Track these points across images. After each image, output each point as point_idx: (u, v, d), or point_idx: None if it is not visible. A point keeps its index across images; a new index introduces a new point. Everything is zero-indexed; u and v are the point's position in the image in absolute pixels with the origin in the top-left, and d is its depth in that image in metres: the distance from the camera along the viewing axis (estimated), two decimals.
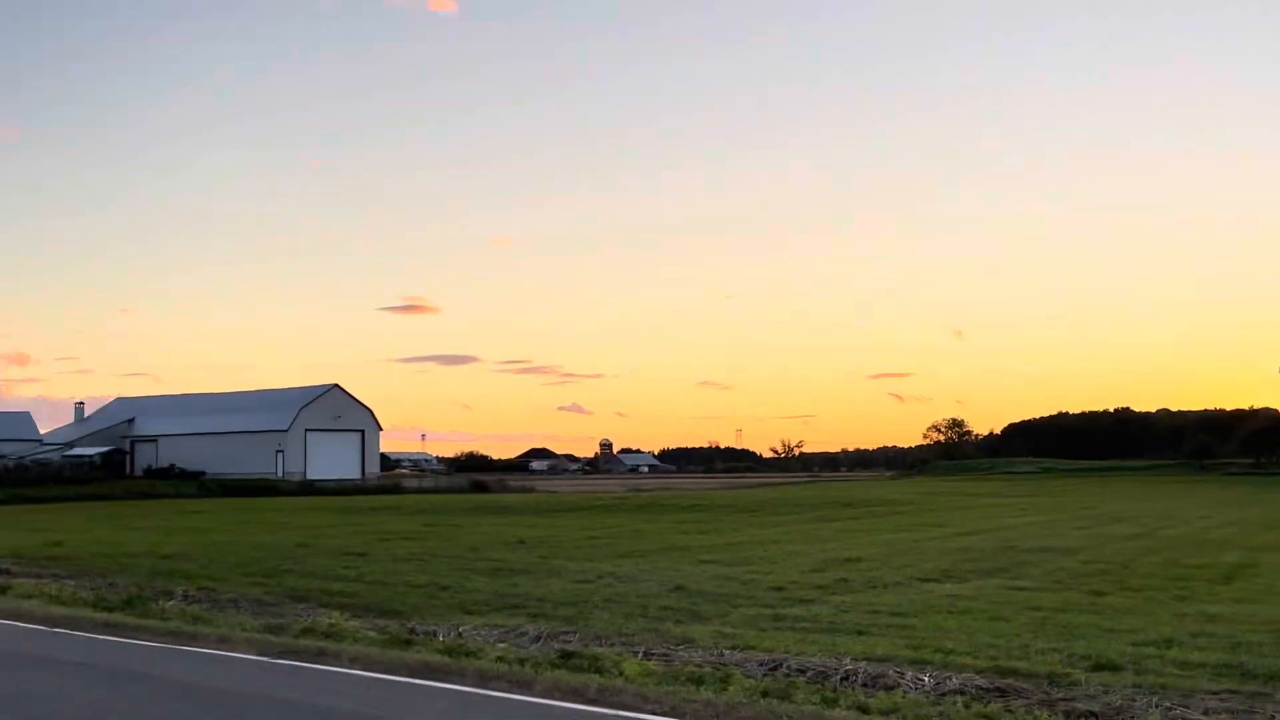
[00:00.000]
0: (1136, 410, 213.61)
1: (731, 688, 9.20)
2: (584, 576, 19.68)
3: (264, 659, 11.66)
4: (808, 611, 15.47)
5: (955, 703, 9.30)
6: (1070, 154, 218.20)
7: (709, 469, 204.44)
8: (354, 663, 11.08)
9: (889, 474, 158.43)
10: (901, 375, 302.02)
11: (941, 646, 12.12)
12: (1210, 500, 56.57)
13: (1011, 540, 27.72)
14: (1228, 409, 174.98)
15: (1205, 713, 8.86)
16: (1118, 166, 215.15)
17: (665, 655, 11.69)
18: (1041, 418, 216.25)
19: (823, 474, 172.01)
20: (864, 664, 10.94)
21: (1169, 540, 28.08)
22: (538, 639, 13.36)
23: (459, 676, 9.97)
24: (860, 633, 13.55)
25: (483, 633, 13.64)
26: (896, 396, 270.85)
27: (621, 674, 9.74)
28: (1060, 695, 9.59)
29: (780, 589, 17.95)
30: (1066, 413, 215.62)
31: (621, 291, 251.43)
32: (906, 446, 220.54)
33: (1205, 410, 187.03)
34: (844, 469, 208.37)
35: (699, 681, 9.54)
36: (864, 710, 8.98)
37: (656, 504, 50.06)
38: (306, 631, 13.49)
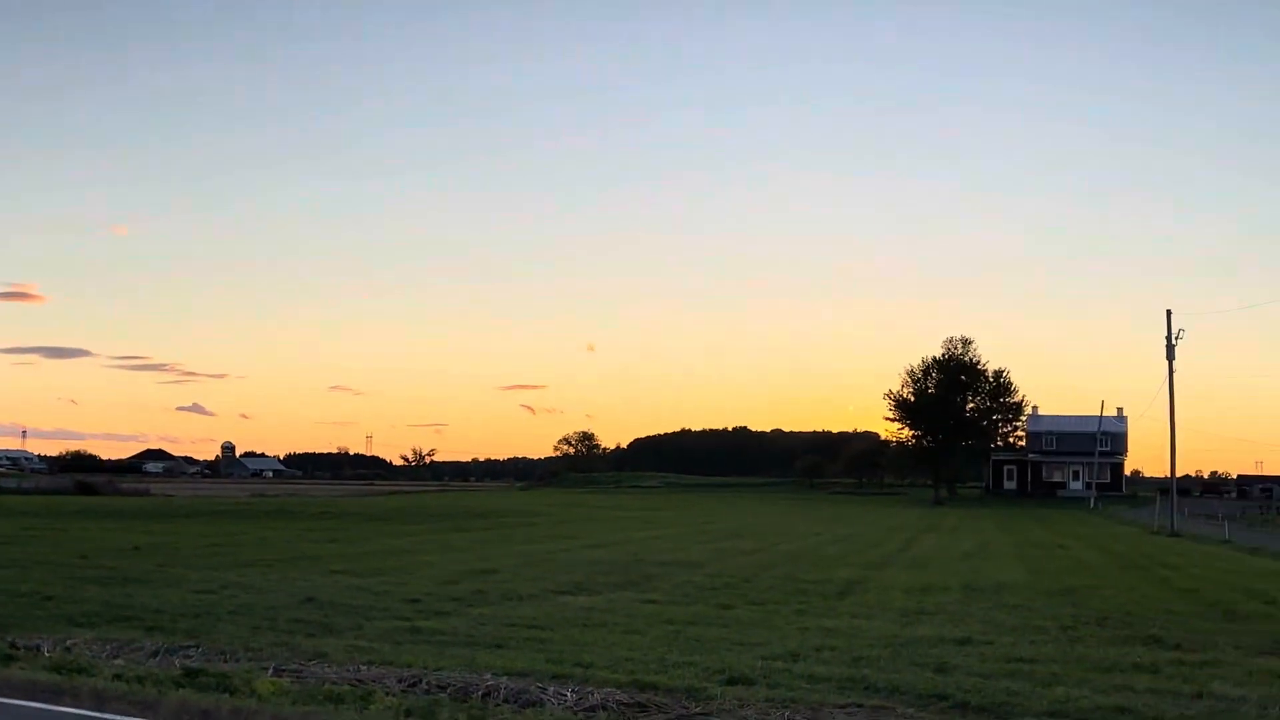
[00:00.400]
0: (753, 430, 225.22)
1: (373, 706, 8.84)
2: (206, 586, 18.60)
3: None
4: (445, 624, 15.22)
5: (599, 718, 9.36)
6: (689, 179, 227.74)
7: (337, 475, 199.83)
8: None
9: (519, 485, 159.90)
10: (535, 387, 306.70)
11: (580, 660, 12.17)
12: (819, 517, 60.33)
13: (640, 554, 28.44)
14: (834, 431, 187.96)
15: None
16: (721, 192, 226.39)
17: (298, 672, 11.14)
18: (666, 434, 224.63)
19: (454, 483, 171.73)
20: (505, 680, 10.79)
21: (785, 555, 29.59)
22: (155, 654, 12.45)
23: (72, 698, 9.06)
24: (498, 646, 13.42)
25: (94, 647, 12.58)
26: (528, 408, 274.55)
27: (254, 693, 9.13)
28: (698, 710, 9.81)
29: (416, 601, 17.59)
30: (689, 430, 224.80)
31: (248, 288, 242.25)
32: (537, 458, 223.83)
33: (814, 431, 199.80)
34: (474, 479, 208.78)
35: (338, 700, 9.09)
36: None
37: (284, 510, 48.37)
38: None
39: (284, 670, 11.17)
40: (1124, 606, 18.10)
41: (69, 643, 12.87)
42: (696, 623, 15.67)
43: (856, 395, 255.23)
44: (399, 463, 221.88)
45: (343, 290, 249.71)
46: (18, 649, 11.91)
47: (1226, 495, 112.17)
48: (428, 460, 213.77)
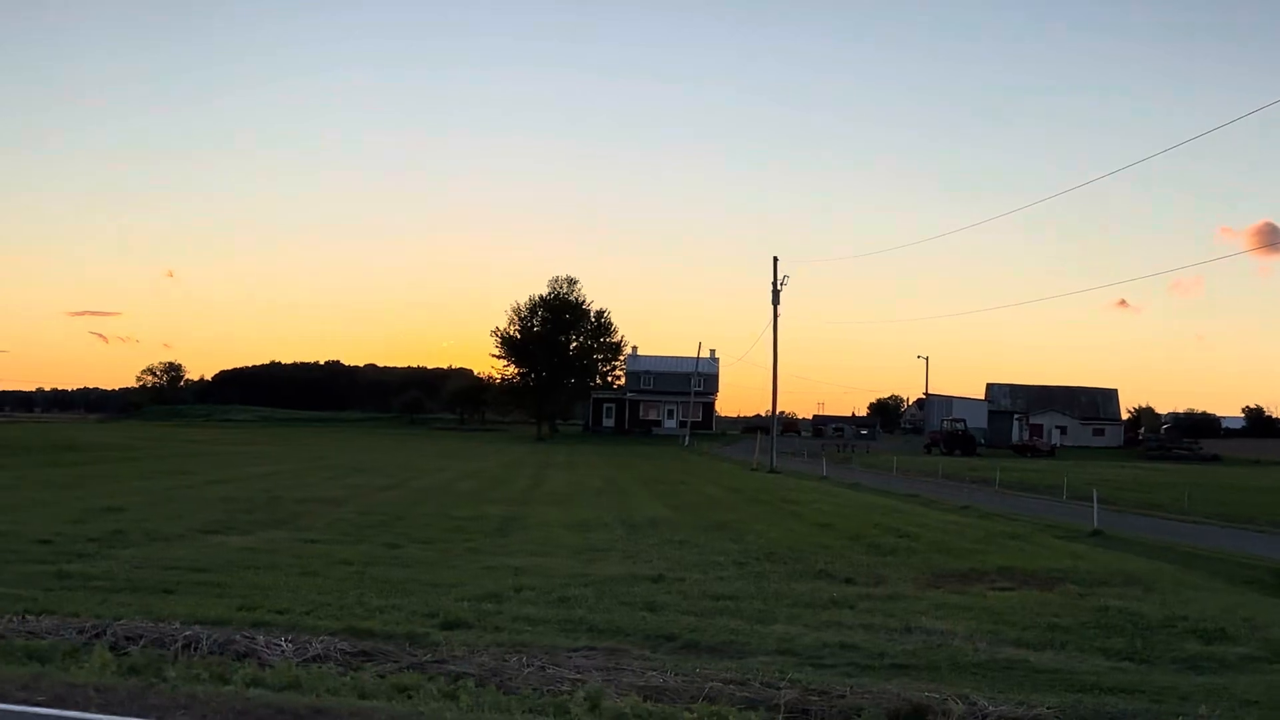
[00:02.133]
0: (346, 364, 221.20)
1: (87, 663, 7.68)
2: None
3: None
4: (94, 568, 13.74)
5: (329, 670, 8.60)
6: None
7: None
8: None
9: (94, 417, 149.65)
10: (108, 314, 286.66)
11: (274, 606, 11.27)
12: (434, 453, 59.91)
13: (271, 490, 27.04)
14: (429, 367, 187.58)
15: (578, 670, 8.99)
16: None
17: None
18: (255, 366, 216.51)
19: (18, 414, 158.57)
20: (202, 629, 9.79)
21: (423, 492, 28.98)
22: None
23: None
24: (168, 592, 12.24)
25: None
26: (100, 336, 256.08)
27: None
28: (429, 658, 9.20)
29: (48, 542, 15.84)
30: (279, 362, 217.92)
31: None
32: (111, 389, 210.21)
33: (410, 367, 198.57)
34: (39, 409, 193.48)
35: (40, 657, 7.84)
36: (225, 682, 7.94)
37: None
38: None
39: None
40: (780, 542, 18.83)
41: None
42: (372, 563, 14.95)
43: (453, 331, 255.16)
44: None
45: None
46: None
47: (804, 434, 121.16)
48: None
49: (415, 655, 9.34)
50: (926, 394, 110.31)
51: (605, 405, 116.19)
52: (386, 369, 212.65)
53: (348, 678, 8.38)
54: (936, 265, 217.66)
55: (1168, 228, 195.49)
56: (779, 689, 8.52)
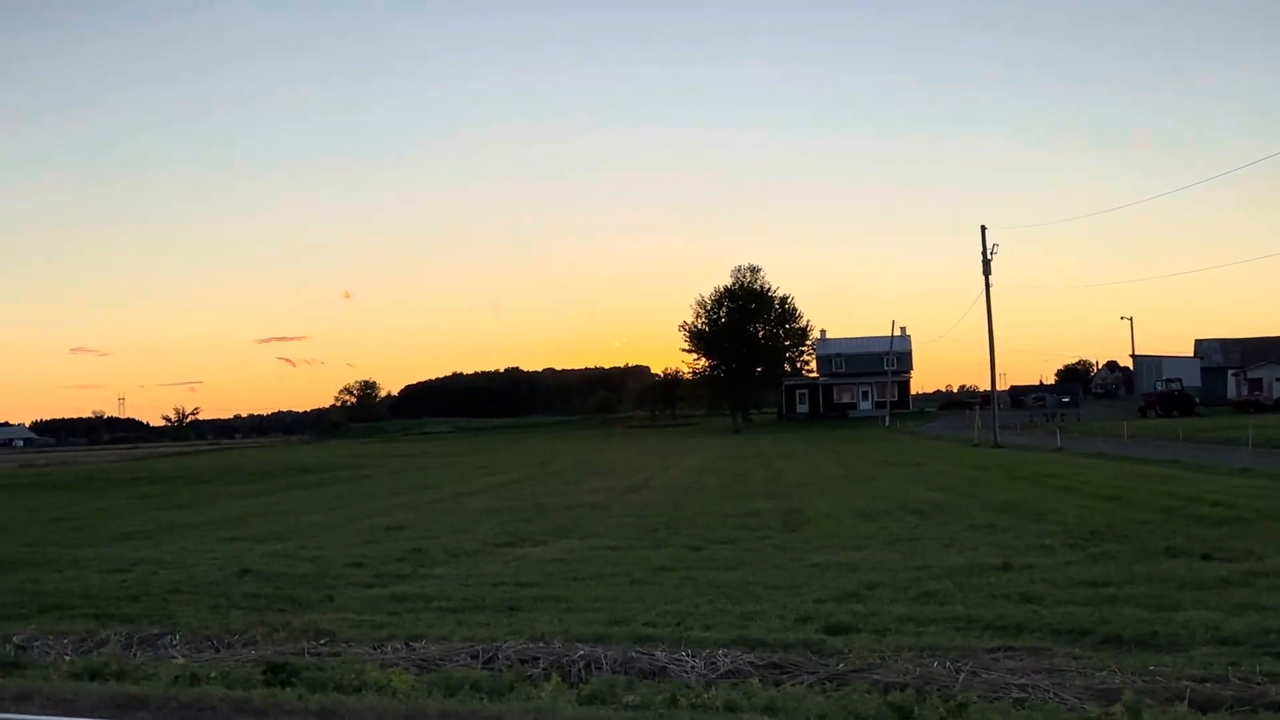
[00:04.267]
0: (526, 370, 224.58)
1: (544, 692, 7.37)
2: (113, 565, 16.38)
3: None
4: (420, 588, 13.67)
5: (754, 686, 8.12)
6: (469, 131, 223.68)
7: (94, 440, 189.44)
8: None
9: (295, 439, 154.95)
10: (294, 339, 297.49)
11: (636, 618, 10.92)
12: (644, 450, 60.00)
13: (526, 498, 27.07)
14: (605, 367, 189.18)
15: (1010, 673, 8.36)
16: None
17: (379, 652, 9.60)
18: (439, 378, 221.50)
19: (225, 441, 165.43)
20: (585, 647, 9.47)
21: (673, 490, 28.58)
22: (129, 645, 10.72)
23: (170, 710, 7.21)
24: (514, 609, 12.03)
25: (58, 644, 10.65)
26: (288, 361, 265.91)
27: (392, 690, 7.49)
28: (844, 666, 8.64)
29: (359, 565, 15.90)
30: (461, 373, 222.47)
31: None
32: (303, 410, 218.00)
33: (586, 368, 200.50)
34: (240, 435, 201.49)
35: (493, 692, 7.55)
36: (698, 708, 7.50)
37: (92, 478, 44.77)
38: None
39: (317, 654, 9.57)
40: (1085, 520, 17.70)
41: (16, 639, 10.94)
42: (690, 567, 14.56)
43: (624, 331, 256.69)
44: (159, 423, 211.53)
45: (78, 248, 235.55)
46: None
47: (1002, 406, 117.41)
48: (189, 419, 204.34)
49: (827, 664, 8.84)
50: (1133, 356, 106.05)
51: (798, 391, 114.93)
52: (564, 372, 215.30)
53: (780, 693, 7.93)
54: (1135, 227, 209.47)
55: None
56: (1256, 685, 7.75)
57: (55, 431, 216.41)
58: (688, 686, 8.18)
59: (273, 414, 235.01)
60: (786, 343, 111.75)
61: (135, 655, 10.19)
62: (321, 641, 10.56)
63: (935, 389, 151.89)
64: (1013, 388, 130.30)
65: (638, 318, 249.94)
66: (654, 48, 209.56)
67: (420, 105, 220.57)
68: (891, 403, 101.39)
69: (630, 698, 7.23)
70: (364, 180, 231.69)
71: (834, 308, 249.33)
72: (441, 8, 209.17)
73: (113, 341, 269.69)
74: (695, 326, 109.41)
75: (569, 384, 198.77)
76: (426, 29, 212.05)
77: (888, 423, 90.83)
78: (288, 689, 7.47)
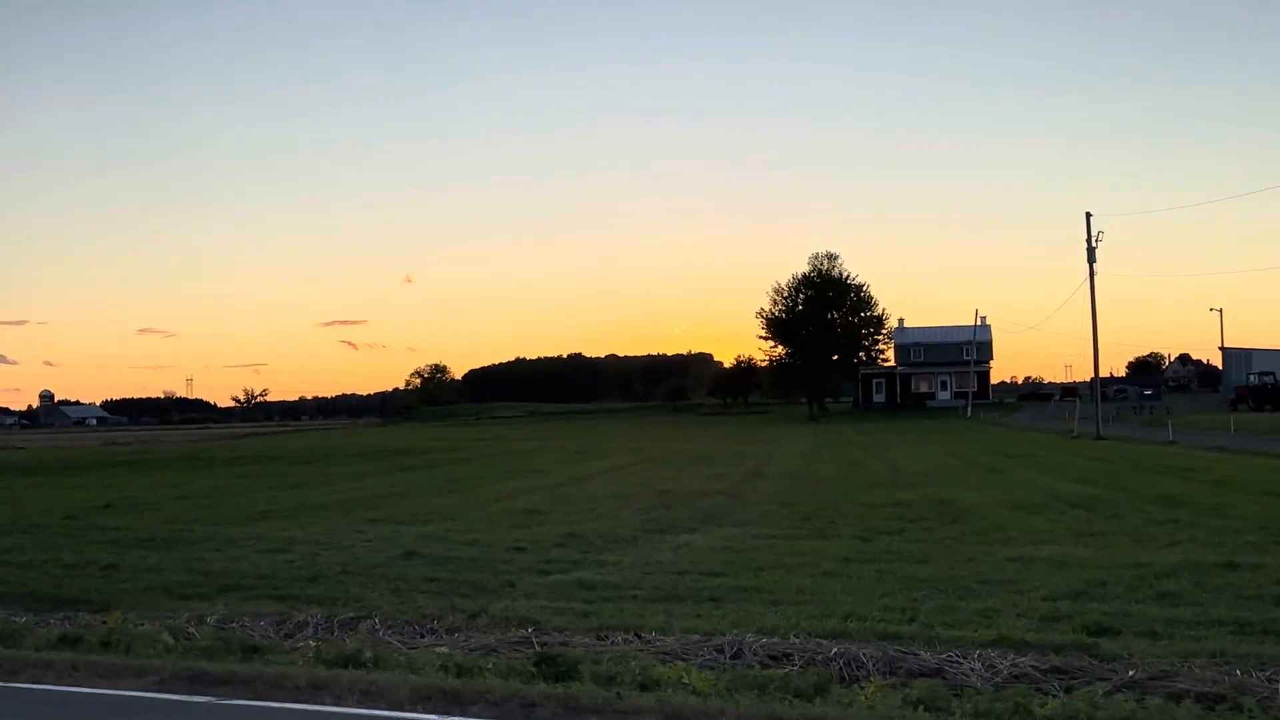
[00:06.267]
0: (588, 356, 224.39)
1: (862, 695, 6.80)
2: (269, 545, 16.13)
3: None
4: (599, 576, 13.20)
5: (1042, 694, 7.52)
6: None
7: (165, 420, 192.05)
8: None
9: (363, 422, 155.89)
10: (356, 323, 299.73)
11: (855, 613, 10.34)
12: (729, 436, 59.58)
13: (647, 484, 26.59)
14: (669, 354, 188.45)
15: None
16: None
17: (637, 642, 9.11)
18: (502, 363, 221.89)
19: (294, 422, 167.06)
20: (833, 644, 8.90)
21: (794, 479, 27.94)
22: (326, 627, 10.36)
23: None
24: (714, 600, 11.54)
25: (257, 625, 10.27)
26: (350, 344, 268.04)
27: (684, 685, 6.96)
28: (1138, 674, 7.99)
29: (521, 549, 15.47)
30: (524, 358, 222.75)
31: (46, 231, 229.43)
32: (366, 394, 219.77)
33: (648, 355, 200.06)
34: (306, 418, 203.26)
35: (790, 688, 6.99)
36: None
37: (192, 457, 45.04)
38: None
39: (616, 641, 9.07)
40: (1263, 519, 16.92)
41: (211, 619, 10.64)
42: (875, 559, 13.94)
43: (684, 318, 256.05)
44: (226, 404, 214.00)
45: (146, 231, 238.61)
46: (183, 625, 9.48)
47: (1084, 398, 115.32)
48: (258, 400, 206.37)
49: (1114, 670, 8.19)
50: (1223, 349, 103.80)
51: (875, 380, 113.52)
52: (626, 358, 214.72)
53: (1075, 701, 7.30)
54: (1220, 219, 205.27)
55: None
56: None
57: (126, 410, 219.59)
58: (977, 691, 7.61)
59: (338, 396, 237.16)
60: (863, 331, 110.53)
61: (343, 640, 9.80)
62: (530, 630, 10.10)
63: (1000, 380, 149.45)
64: (1091, 380, 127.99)
65: (698, 305, 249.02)
66: (726, 40, 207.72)
67: (485, 90, 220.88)
68: (972, 393, 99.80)
69: (961, 706, 6.59)
70: (426, 166, 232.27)
71: (906, 298, 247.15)
72: None
73: (180, 323, 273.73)
74: (773, 314, 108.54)
75: (630, 370, 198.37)
76: (494, 12, 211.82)
77: (969, 413, 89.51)
78: (572, 683, 6.96)
